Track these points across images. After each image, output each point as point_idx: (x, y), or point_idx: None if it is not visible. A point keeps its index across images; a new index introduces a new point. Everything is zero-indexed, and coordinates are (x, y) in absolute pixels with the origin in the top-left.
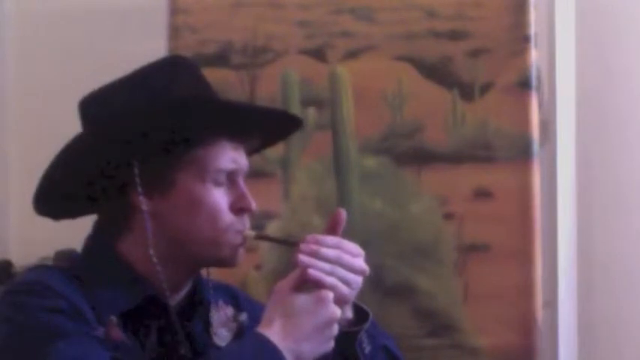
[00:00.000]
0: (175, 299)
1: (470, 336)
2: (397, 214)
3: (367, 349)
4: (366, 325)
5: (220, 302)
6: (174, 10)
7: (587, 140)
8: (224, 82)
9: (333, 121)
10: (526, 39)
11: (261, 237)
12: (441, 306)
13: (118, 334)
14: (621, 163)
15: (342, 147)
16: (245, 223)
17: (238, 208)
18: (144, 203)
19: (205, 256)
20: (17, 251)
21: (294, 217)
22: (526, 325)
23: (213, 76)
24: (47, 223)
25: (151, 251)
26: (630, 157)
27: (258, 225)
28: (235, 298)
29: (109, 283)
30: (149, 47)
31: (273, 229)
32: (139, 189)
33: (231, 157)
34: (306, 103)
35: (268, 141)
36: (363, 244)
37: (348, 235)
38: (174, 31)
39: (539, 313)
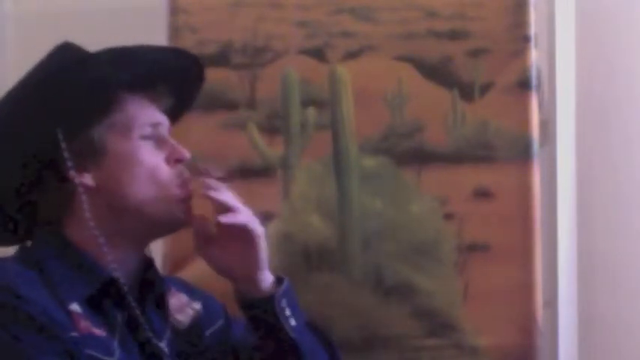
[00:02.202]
0: (128, 278)
1: (470, 336)
2: (397, 214)
3: (292, 321)
4: (283, 287)
5: (173, 289)
6: (174, 10)
7: (587, 140)
8: (224, 82)
9: (333, 121)
10: (526, 39)
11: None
12: (441, 306)
13: (85, 325)
14: (621, 163)
15: (342, 147)
16: (184, 177)
17: (173, 160)
18: (79, 178)
19: (155, 217)
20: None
21: (294, 217)
22: (526, 325)
23: (213, 76)
24: None
25: (94, 228)
26: (631, 156)
27: None
28: (187, 287)
29: (65, 271)
30: None
31: (273, 229)
32: (69, 164)
33: (147, 110)
34: (306, 103)
35: (179, 96)
36: (363, 244)
37: (349, 235)
38: (174, 31)
39: (539, 313)
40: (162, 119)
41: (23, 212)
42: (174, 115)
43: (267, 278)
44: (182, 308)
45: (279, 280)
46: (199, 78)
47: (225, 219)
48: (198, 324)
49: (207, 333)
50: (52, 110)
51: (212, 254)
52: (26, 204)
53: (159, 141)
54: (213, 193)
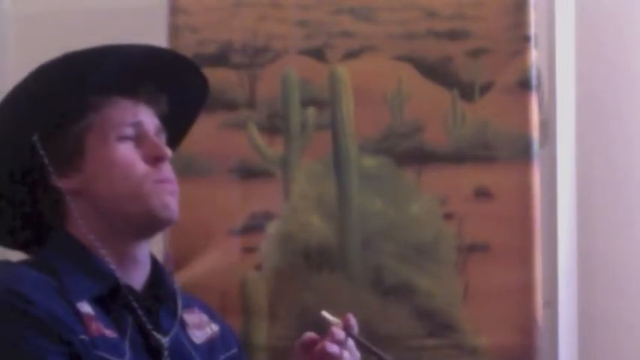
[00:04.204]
0: (136, 283)
1: (470, 336)
2: (397, 214)
3: None
4: None
5: (195, 307)
6: (174, 10)
7: (587, 140)
8: (224, 82)
9: (333, 121)
10: (526, 39)
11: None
12: (441, 306)
13: (97, 327)
14: (621, 163)
15: (342, 147)
16: (165, 173)
17: (152, 158)
18: (59, 182)
19: (135, 215)
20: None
21: (294, 217)
22: (526, 325)
23: (213, 76)
24: None
25: (83, 227)
26: (630, 156)
27: (258, 225)
28: (209, 310)
29: (72, 269)
30: None
31: (273, 229)
32: (50, 169)
33: (127, 112)
34: (306, 103)
35: (177, 95)
36: (363, 244)
37: (349, 235)
38: (174, 31)
39: (539, 313)
40: (145, 118)
41: (24, 219)
42: (182, 116)
43: None
44: (201, 326)
45: None
46: (196, 78)
47: None
48: (213, 345)
49: (222, 357)
50: (27, 115)
51: None
52: (24, 211)
53: (139, 140)
54: (333, 348)
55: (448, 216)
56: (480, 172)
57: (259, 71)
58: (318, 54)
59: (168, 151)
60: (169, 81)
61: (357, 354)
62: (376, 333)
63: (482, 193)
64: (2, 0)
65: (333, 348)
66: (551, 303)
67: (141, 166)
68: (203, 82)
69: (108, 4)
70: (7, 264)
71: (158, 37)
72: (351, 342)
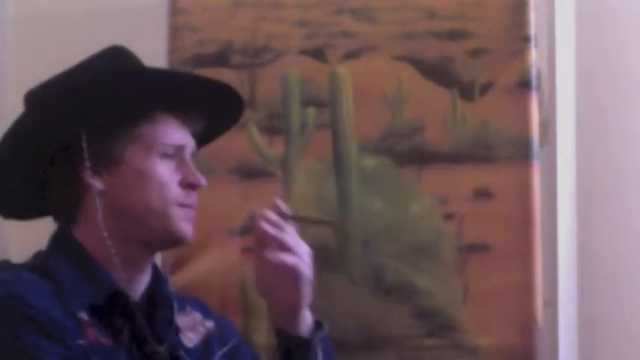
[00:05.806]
0: (137, 292)
1: (470, 336)
2: (397, 214)
3: None
4: (321, 334)
5: (188, 308)
6: (174, 10)
7: (587, 140)
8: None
9: (333, 121)
10: (526, 39)
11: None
12: (441, 306)
13: (93, 333)
14: (622, 163)
15: (342, 147)
16: (192, 199)
17: (187, 183)
18: (92, 180)
19: (153, 230)
20: (17, 251)
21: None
22: (526, 325)
23: (213, 76)
24: (47, 222)
25: (103, 230)
26: (631, 156)
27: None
28: (203, 307)
29: (73, 276)
30: (149, 47)
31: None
32: (87, 164)
33: (175, 132)
34: (306, 103)
35: (212, 120)
36: (363, 244)
37: (349, 235)
38: (174, 31)
39: (539, 313)
40: (188, 142)
41: (36, 196)
42: (206, 137)
43: (305, 318)
44: (194, 326)
45: (318, 325)
46: (236, 109)
47: (271, 256)
48: (209, 344)
49: (219, 353)
50: (82, 110)
51: (262, 274)
52: (38, 189)
53: (178, 161)
54: (269, 228)
55: (448, 216)
56: (480, 172)
57: (259, 71)
58: (318, 54)
59: (204, 181)
60: (213, 108)
61: (305, 246)
62: (376, 333)
63: (482, 193)
64: (2, 0)
65: (267, 227)
66: (551, 303)
67: (174, 189)
68: (239, 111)
69: (108, 4)
70: (8, 265)
71: (158, 37)
72: (292, 230)
